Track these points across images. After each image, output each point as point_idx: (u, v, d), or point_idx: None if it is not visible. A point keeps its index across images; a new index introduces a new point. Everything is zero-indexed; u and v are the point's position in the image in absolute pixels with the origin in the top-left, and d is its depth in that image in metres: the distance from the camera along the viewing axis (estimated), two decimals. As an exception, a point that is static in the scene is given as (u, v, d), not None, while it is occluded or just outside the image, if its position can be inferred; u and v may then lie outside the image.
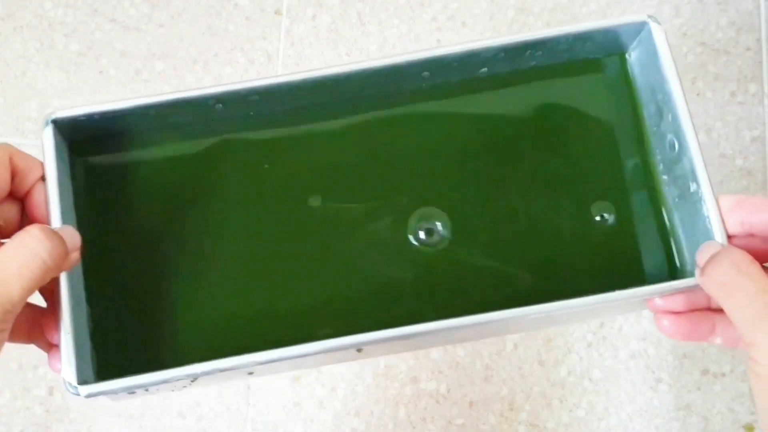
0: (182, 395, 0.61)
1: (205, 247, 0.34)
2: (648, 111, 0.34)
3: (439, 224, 0.34)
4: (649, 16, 0.33)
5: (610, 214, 0.34)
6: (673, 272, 0.33)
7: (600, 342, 0.61)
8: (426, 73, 0.34)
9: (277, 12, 0.69)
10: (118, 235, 0.34)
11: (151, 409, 0.61)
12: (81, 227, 0.31)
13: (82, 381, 0.29)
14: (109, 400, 0.31)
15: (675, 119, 0.31)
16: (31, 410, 0.61)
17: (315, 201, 0.34)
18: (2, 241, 0.29)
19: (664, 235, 0.34)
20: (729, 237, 0.30)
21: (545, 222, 0.34)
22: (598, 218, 0.34)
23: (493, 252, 0.34)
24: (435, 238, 0.34)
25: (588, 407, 0.60)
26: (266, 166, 0.35)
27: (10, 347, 0.61)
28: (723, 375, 0.61)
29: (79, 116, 0.32)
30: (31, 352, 0.62)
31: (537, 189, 0.35)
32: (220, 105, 0.33)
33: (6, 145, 0.30)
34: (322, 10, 0.68)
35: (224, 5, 0.69)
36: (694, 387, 0.61)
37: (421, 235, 0.34)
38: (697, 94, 0.66)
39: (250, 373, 0.32)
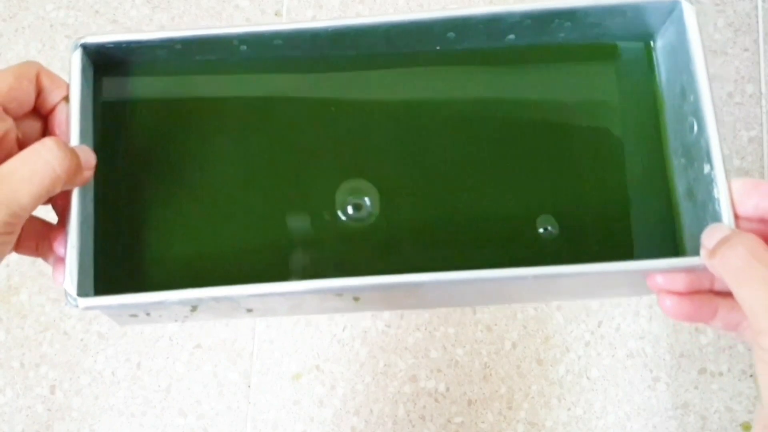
0: (182, 394, 0.61)
1: (212, 180, 0.35)
2: (672, 92, 0.34)
3: (367, 199, 0.34)
4: None
5: (553, 226, 0.34)
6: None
7: (598, 341, 0.62)
8: (451, 34, 0.35)
9: (277, 13, 0.69)
10: (134, 161, 0.35)
11: (152, 408, 0.61)
12: (98, 149, 0.32)
13: (83, 294, 0.30)
14: (117, 324, 0.31)
15: (696, 99, 0.32)
16: (33, 409, 0.61)
17: (303, 149, 0.35)
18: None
19: (670, 229, 0.33)
20: (737, 217, 0.30)
21: (490, 229, 0.34)
22: (541, 230, 0.34)
23: (424, 239, 0.34)
24: (363, 212, 0.34)
25: (586, 406, 0.61)
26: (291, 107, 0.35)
27: (11, 345, 0.62)
28: (720, 374, 0.61)
29: (107, 43, 0.33)
30: (32, 351, 0.62)
31: (502, 186, 0.34)
32: (245, 47, 0.34)
33: (34, 62, 0.31)
34: (322, 11, 0.69)
35: (225, 6, 0.69)
36: (691, 386, 0.61)
37: (350, 209, 0.34)
38: (695, 95, 0.66)
39: (249, 310, 0.33)
